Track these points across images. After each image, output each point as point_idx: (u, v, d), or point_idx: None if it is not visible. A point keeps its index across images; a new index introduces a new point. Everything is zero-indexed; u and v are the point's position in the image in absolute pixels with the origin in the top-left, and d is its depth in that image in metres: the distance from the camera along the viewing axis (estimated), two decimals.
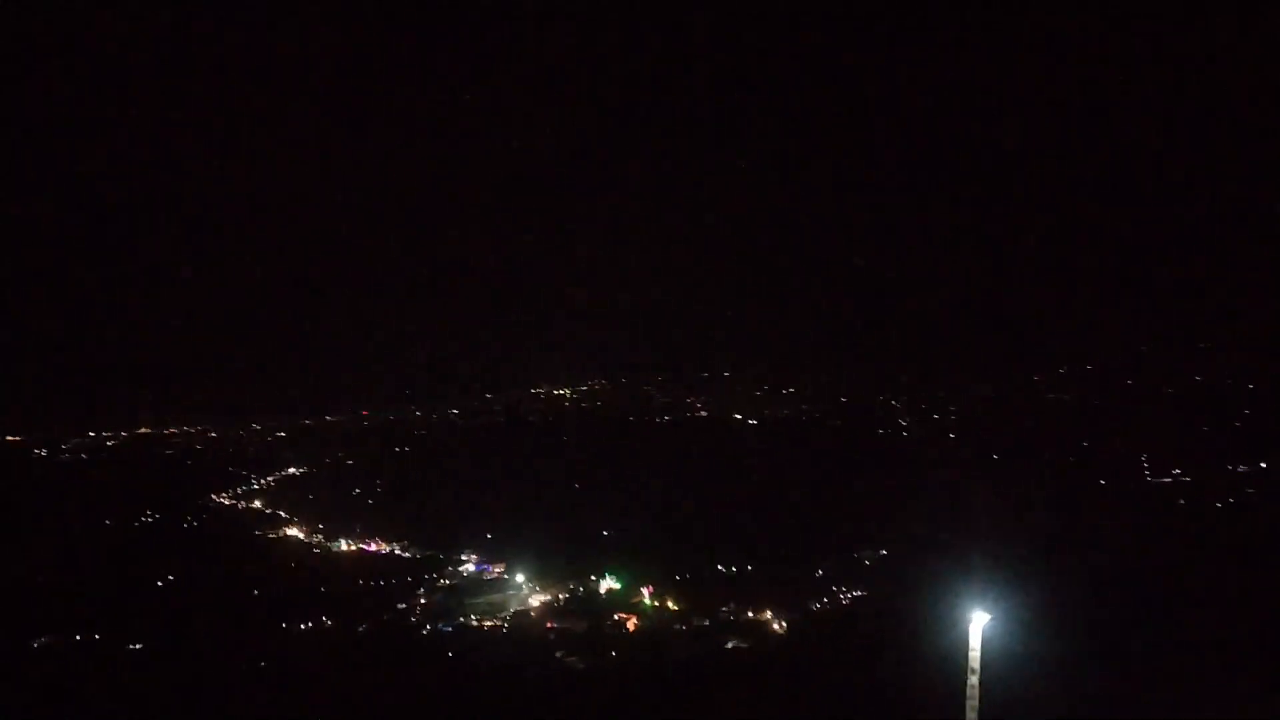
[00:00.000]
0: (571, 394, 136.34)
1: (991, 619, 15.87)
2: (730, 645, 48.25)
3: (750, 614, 52.14)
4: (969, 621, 19.72)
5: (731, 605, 53.23)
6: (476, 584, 62.57)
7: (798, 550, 61.74)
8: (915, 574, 53.27)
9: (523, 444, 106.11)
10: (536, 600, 58.50)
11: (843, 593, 54.42)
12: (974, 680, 15.11)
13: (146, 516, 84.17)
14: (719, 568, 60.14)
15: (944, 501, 69.01)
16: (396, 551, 73.92)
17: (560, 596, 58.64)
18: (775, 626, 50.77)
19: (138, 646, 49.06)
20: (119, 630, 50.85)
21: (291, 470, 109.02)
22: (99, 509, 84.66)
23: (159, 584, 62.36)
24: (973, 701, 15.13)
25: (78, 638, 50.29)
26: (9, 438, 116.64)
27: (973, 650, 15.92)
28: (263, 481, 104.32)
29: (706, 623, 51.76)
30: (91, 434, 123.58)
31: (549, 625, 53.52)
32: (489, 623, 54.38)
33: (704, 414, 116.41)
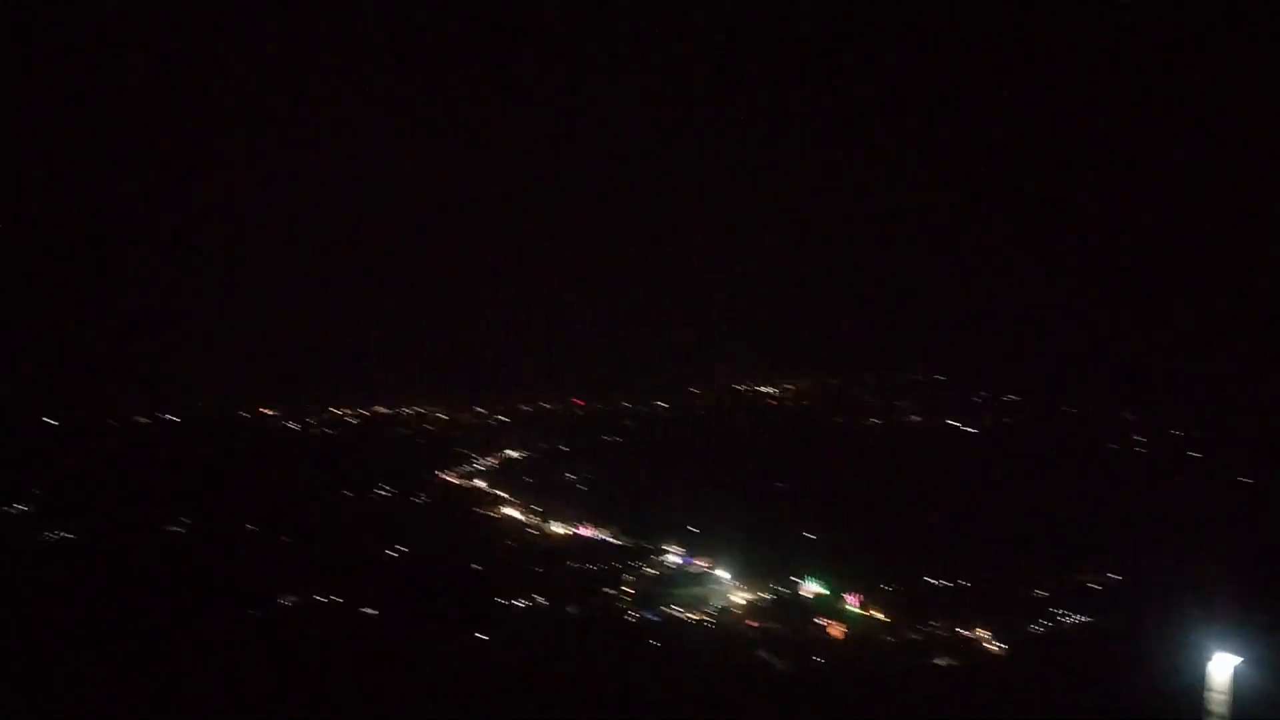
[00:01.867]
0: (779, 392, 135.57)
1: (1241, 662, 14.64)
2: (940, 662, 46.63)
3: (962, 631, 50.13)
4: (1210, 662, 18.14)
5: (942, 620, 51.40)
6: (682, 576, 63.57)
7: (1017, 568, 58.73)
8: (1148, 603, 49.54)
9: (729, 440, 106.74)
10: (740, 598, 58.74)
11: (1065, 617, 51.31)
12: None
13: (381, 489, 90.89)
14: (930, 580, 58.11)
15: (1184, 524, 63.61)
16: (606, 538, 76.20)
17: (764, 596, 58.59)
18: (989, 646, 48.57)
19: (370, 611, 53.13)
20: (354, 594, 55.28)
21: (511, 453, 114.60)
22: (340, 479, 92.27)
23: (390, 553, 67.28)
24: None
25: (317, 598, 55.00)
26: (264, 410, 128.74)
27: (1215, 693, 14.73)
28: (485, 462, 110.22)
29: (915, 636, 50.25)
30: (335, 410, 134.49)
31: (752, 623, 53.65)
32: (693, 615, 55.18)
33: (916, 419, 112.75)
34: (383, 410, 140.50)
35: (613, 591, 59.04)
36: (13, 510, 71.00)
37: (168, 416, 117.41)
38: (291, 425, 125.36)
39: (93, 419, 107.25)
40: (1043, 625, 50.08)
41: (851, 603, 55.33)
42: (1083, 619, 50.59)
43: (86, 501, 74.85)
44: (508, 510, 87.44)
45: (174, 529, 70.63)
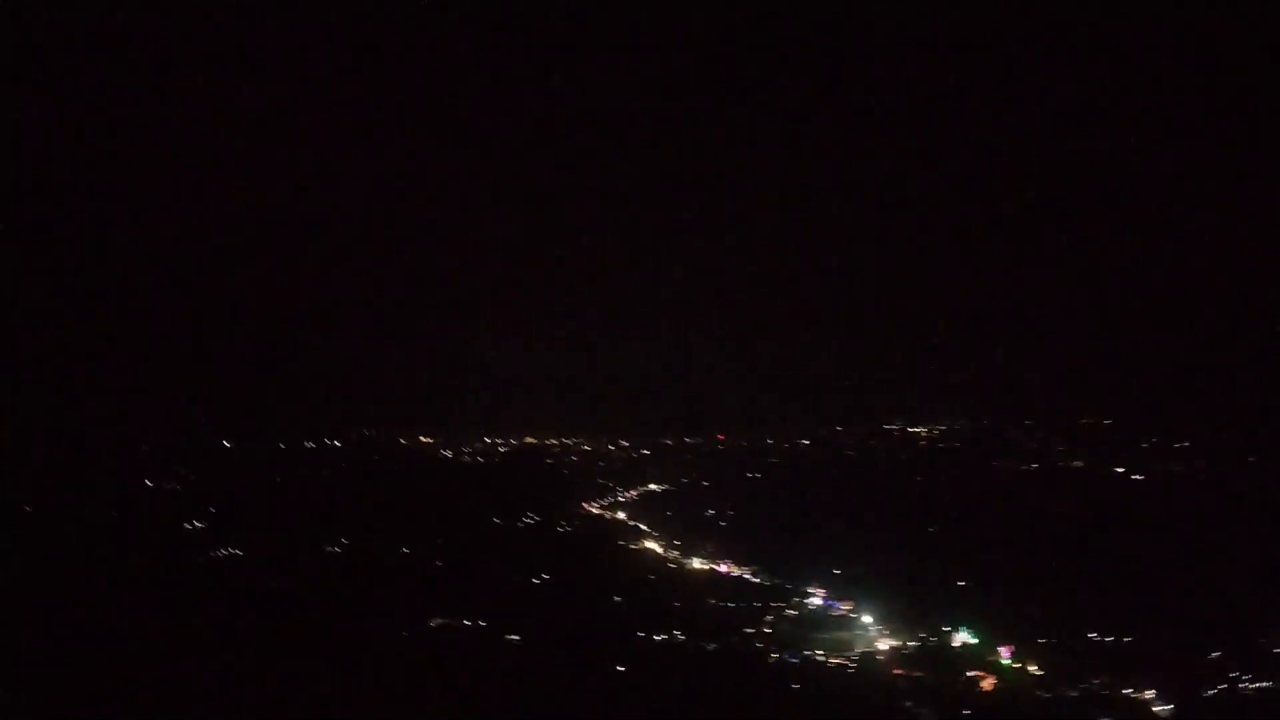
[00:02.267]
0: (929, 432, 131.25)
1: None
2: None
3: (1127, 690, 46.88)
4: None
5: (1104, 677, 48.23)
6: (823, 619, 62.15)
7: (1189, 626, 54.52)
8: None
9: (877, 480, 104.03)
10: (884, 644, 56.88)
11: (1245, 681, 47.21)
12: None
13: (528, 518, 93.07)
14: (1091, 635, 54.67)
15: None
16: (745, 575, 75.41)
17: (909, 644, 56.51)
18: (1156, 709, 45.24)
19: (514, 637, 54.28)
20: (499, 619, 56.63)
21: (652, 486, 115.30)
22: (491, 506, 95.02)
23: (535, 581, 68.66)
24: None
25: (465, 622, 56.61)
26: (423, 438, 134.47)
27: None
28: (627, 495, 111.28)
29: (1074, 694, 47.32)
30: (487, 439, 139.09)
31: (896, 672, 51.81)
32: (834, 660, 53.77)
33: (1078, 465, 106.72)
34: (532, 440, 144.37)
35: (752, 631, 58.26)
36: (189, 528, 76.46)
37: (332, 441, 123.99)
38: (446, 453, 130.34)
39: (261, 443, 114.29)
40: (1218, 690, 46.25)
41: (1004, 655, 52.66)
42: (1264, 686, 46.38)
43: (255, 521, 79.69)
44: (648, 543, 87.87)
45: (332, 549, 74.35)
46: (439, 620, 56.55)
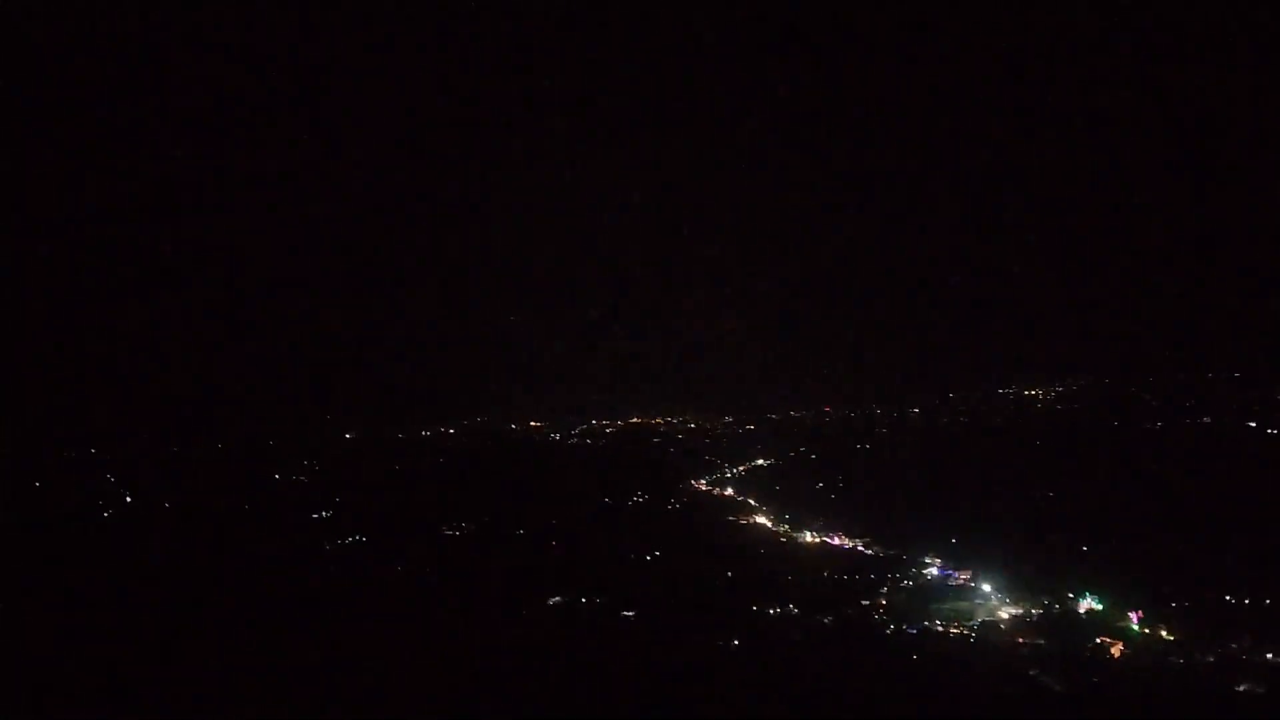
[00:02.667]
0: (1046, 394, 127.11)
1: None
2: (1241, 689, 41.88)
3: (1269, 655, 44.73)
4: None
5: (1244, 641, 46.08)
6: (941, 589, 61.03)
7: None
8: None
9: (992, 446, 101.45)
10: (1006, 613, 55.53)
11: None
12: None
13: (639, 496, 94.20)
14: (1226, 597, 52.28)
15: None
16: (859, 548, 74.68)
17: (1032, 611, 55.04)
18: None
19: (629, 614, 55.20)
20: (615, 596, 57.72)
21: (760, 461, 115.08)
22: (601, 487, 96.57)
23: (648, 558, 69.61)
24: None
25: (583, 600, 57.89)
26: (533, 423, 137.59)
27: None
28: (735, 471, 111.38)
29: (1211, 659, 45.35)
30: (595, 421, 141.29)
31: (1020, 640, 50.57)
32: (955, 630, 52.85)
33: (1206, 420, 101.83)
34: (638, 421, 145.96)
35: (867, 602, 57.73)
36: (317, 517, 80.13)
37: (447, 430, 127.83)
38: (555, 436, 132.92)
39: (383, 434, 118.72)
40: None
41: (1134, 619, 50.84)
42: None
43: (378, 508, 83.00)
44: (758, 518, 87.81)
45: (451, 532, 76.84)
46: (557, 598, 57.98)
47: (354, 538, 73.46)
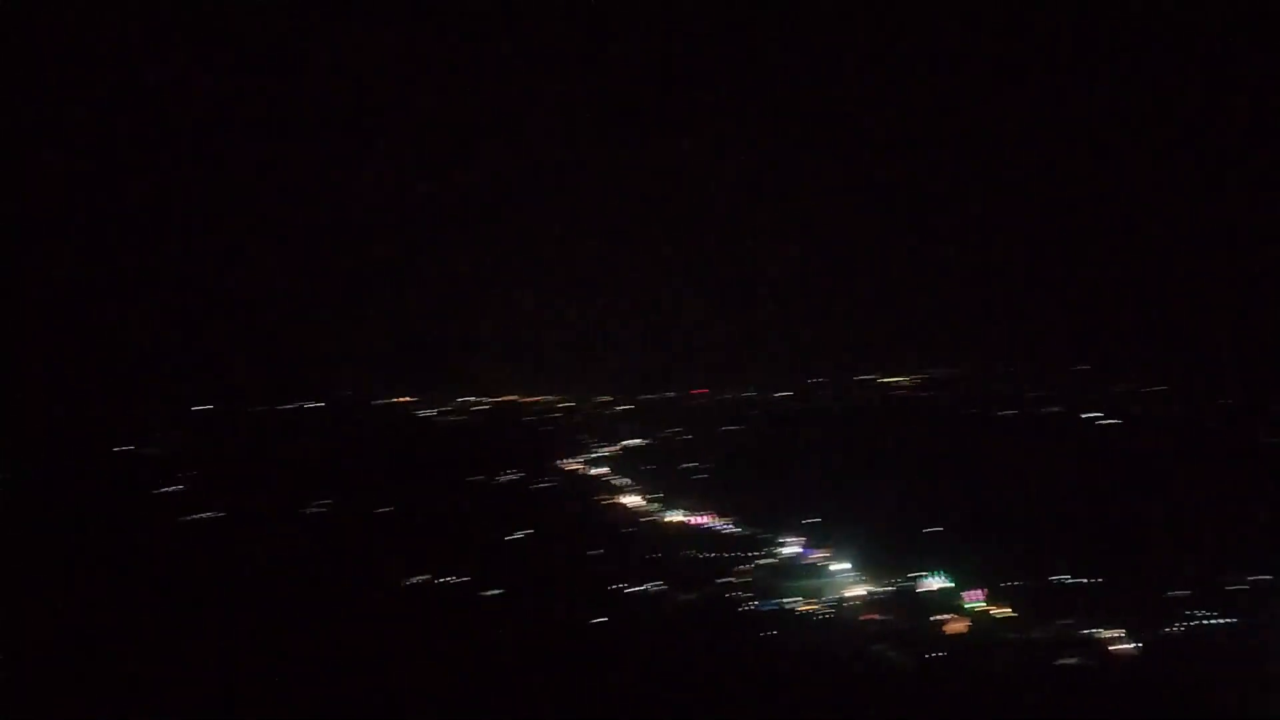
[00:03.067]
0: (904, 381, 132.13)
1: None
2: (1067, 662, 44.88)
3: (1092, 631, 48.04)
4: None
5: (1071, 619, 49.39)
6: (798, 567, 63.04)
7: (1154, 566, 55.82)
8: None
9: (852, 431, 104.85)
10: (858, 590, 57.86)
11: (1206, 618, 48.50)
12: None
13: (507, 474, 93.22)
14: (1058, 577, 55.82)
15: None
16: (723, 527, 76.16)
17: (883, 589, 57.52)
18: (1120, 647, 46.42)
19: (495, 592, 54.85)
20: (479, 576, 57.21)
21: (632, 442, 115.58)
22: (470, 464, 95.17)
23: (513, 537, 69.13)
24: None
25: (443, 579, 57.12)
26: (399, 399, 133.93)
27: None
28: (606, 450, 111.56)
29: (1042, 635, 48.45)
30: (465, 398, 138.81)
31: (870, 617, 52.80)
32: (809, 607, 54.70)
33: (1054, 409, 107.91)
34: (512, 399, 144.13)
35: (728, 580, 59.10)
36: (165, 491, 76.29)
37: (310, 404, 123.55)
38: (425, 413, 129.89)
39: (238, 406, 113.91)
40: (1179, 626, 47.48)
41: (974, 599, 53.76)
42: (1224, 621, 47.67)
43: (232, 484, 79.63)
44: (627, 497, 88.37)
45: (313, 510, 74.46)
46: (418, 577, 57.05)
47: (207, 514, 70.39)
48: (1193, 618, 47.79)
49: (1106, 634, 46.79)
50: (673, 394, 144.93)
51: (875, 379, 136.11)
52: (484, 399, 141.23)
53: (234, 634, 45.20)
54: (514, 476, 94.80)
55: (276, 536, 65.81)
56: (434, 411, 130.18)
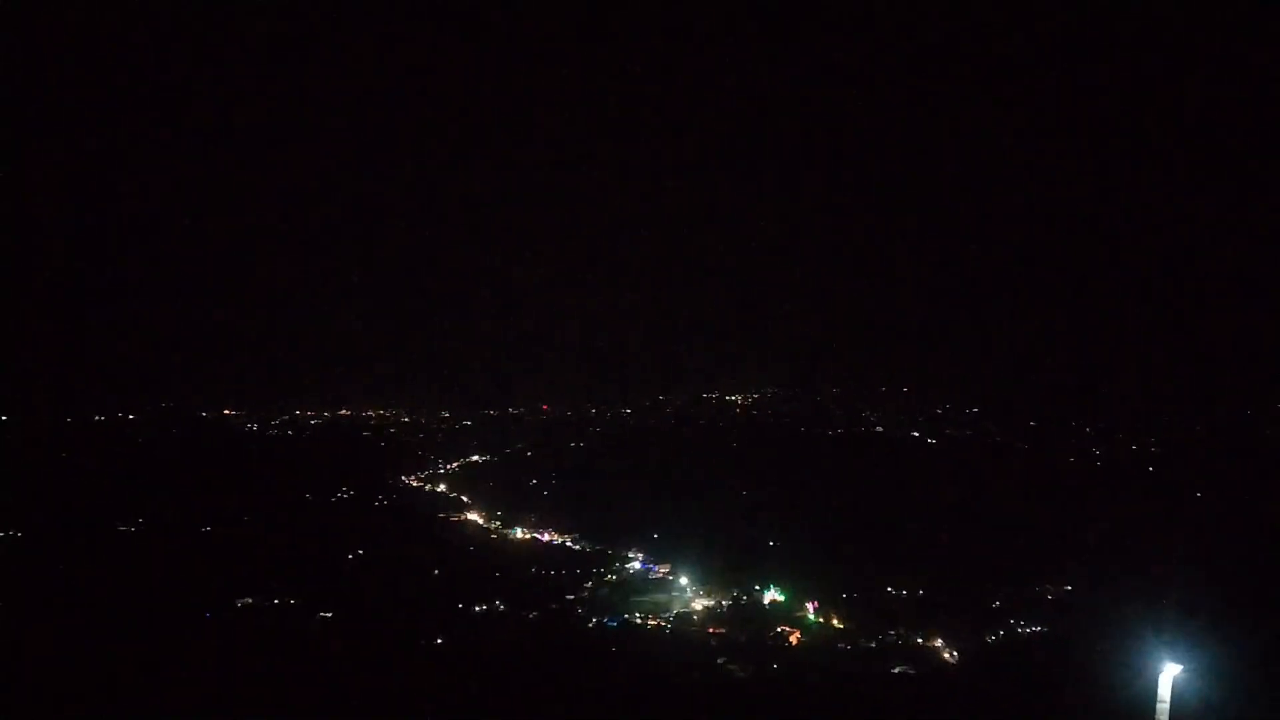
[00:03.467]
0: (744, 400, 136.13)
1: (1184, 671, 14.91)
2: (897, 670, 46.84)
3: (919, 640, 50.43)
4: (1159, 671, 18.48)
5: (900, 629, 51.70)
6: (642, 582, 63.50)
7: (973, 578, 59.24)
8: (1102, 614, 50.17)
9: (694, 448, 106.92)
10: (700, 604, 58.73)
11: (1021, 626, 51.78)
12: None
13: (343, 492, 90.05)
14: (888, 589, 58.44)
15: (1138, 537, 64.69)
16: (567, 543, 76.01)
17: (723, 603, 58.61)
18: (946, 655, 48.89)
19: (327, 615, 52.53)
20: (311, 597, 54.71)
21: (475, 458, 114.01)
22: (301, 482, 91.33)
23: (350, 557, 66.66)
24: None
25: (275, 601, 54.38)
26: (226, 411, 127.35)
27: (1161, 703, 14.98)
28: (448, 467, 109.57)
29: (873, 644, 50.43)
30: (298, 412, 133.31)
31: (711, 630, 53.61)
32: (652, 622, 55.08)
33: (879, 429, 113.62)
34: (346, 413, 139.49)
35: (572, 597, 58.84)
36: None
37: (126, 415, 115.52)
38: (252, 427, 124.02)
39: (48, 417, 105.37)
40: (998, 634, 50.51)
41: (810, 610, 55.51)
42: (1038, 629, 51.07)
43: (39, 500, 73.42)
44: (470, 515, 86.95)
45: (127, 529, 69.53)
46: (245, 600, 54.07)
47: (6, 533, 64.61)
48: (1011, 626, 51.01)
49: (933, 642, 49.23)
50: (516, 410, 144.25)
51: (716, 397, 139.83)
52: (318, 412, 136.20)
53: (50, 659, 41.47)
54: (351, 493, 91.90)
55: (88, 557, 61.06)
56: (264, 424, 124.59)
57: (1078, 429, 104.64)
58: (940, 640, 49.76)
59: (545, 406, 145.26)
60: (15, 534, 65.00)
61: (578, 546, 74.68)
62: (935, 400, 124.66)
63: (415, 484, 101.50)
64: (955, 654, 48.60)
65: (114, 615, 49.52)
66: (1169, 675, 17.30)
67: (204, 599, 53.18)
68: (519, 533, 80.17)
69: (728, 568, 63.14)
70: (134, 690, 39.68)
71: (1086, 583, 57.90)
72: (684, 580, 62.25)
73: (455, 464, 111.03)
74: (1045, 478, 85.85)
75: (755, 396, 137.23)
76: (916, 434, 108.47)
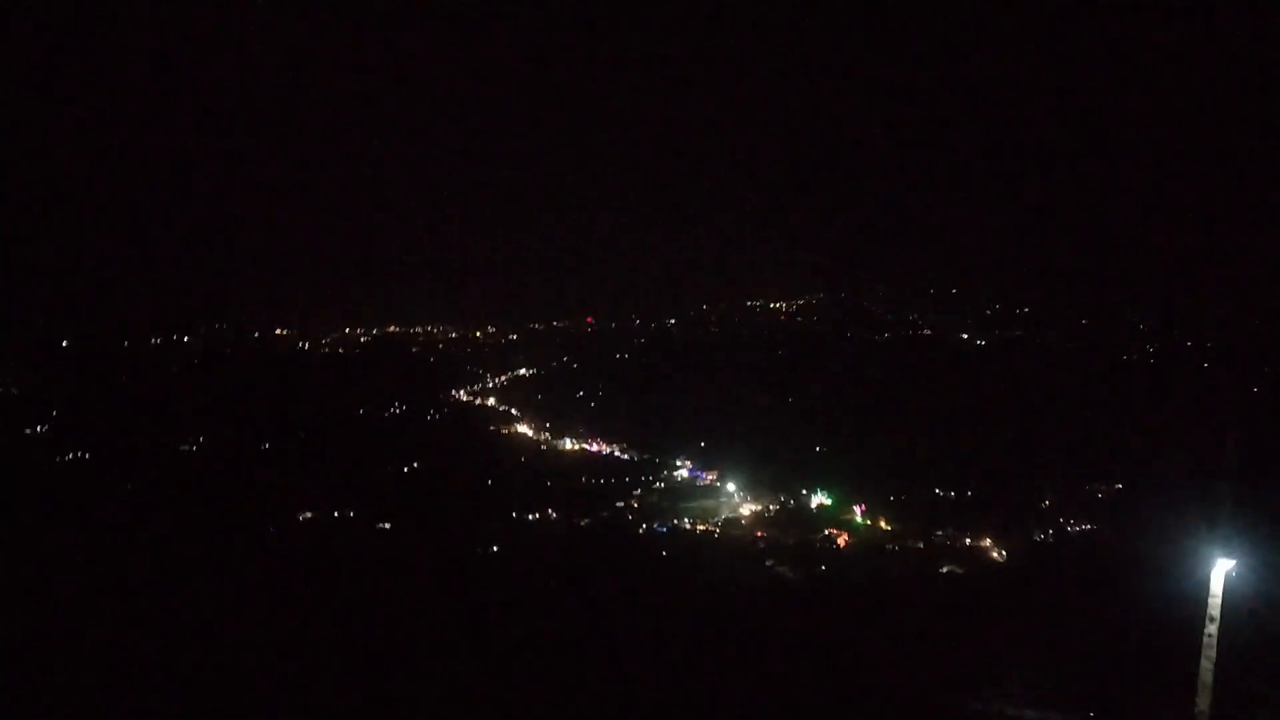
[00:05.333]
0: (789, 306, 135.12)
1: (1236, 566, 14.74)
2: (945, 570, 47.21)
3: (968, 540, 50.66)
4: (1211, 567, 18.37)
5: (948, 529, 51.94)
6: (690, 489, 64.39)
7: (1023, 478, 59.04)
8: (1154, 511, 49.84)
9: (740, 355, 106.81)
10: (747, 509, 59.47)
11: (1071, 524, 51.70)
12: (1211, 629, 14.12)
13: (396, 408, 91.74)
14: (936, 491, 58.52)
15: (1192, 436, 63.76)
16: (615, 453, 77.00)
17: (770, 507, 59.27)
18: (994, 554, 49.14)
19: (385, 525, 54.05)
20: (371, 510, 56.23)
21: (522, 372, 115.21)
22: (355, 398, 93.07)
23: (405, 470, 68.22)
24: (1210, 652, 14.18)
25: (335, 514, 56.00)
26: (278, 330, 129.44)
27: (1213, 596, 14.86)
28: (497, 381, 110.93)
29: (920, 545, 50.80)
30: (347, 330, 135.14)
31: (759, 534, 54.34)
32: (701, 527, 55.94)
33: (927, 332, 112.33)
34: (395, 330, 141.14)
35: (621, 504, 59.85)
36: (31, 433, 72.11)
37: (181, 337, 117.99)
38: (304, 345, 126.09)
39: (106, 340, 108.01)
40: (1048, 533, 50.56)
41: (857, 513, 55.94)
42: (1088, 527, 50.97)
43: (102, 423, 75.76)
44: (519, 427, 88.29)
45: (188, 448, 71.68)
46: (306, 514, 55.74)
47: (75, 454, 66.93)
48: (1061, 525, 50.95)
49: (981, 542, 49.44)
50: (560, 323, 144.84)
51: (761, 304, 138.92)
52: (367, 330, 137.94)
53: (122, 580, 43.22)
54: (403, 408, 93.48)
55: (151, 475, 63.17)
56: (315, 343, 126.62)
57: (1132, 326, 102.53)
58: (989, 540, 49.97)
59: (590, 319, 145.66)
60: (82, 455, 67.28)
61: (626, 456, 75.62)
62: (985, 301, 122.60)
63: (465, 398, 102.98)
64: (1004, 553, 48.81)
65: (182, 531, 51.41)
66: (1221, 570, 17.18)
67: (267, 514, 54.91)
68: (568, 443, 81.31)
69: (776, 474, 63.64)
70: (207, 600, 41.36)
71: (1138, 481, 57.44)
72: (731, 486, 62.94)
73: (503, 378, 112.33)
74: (1097, 376, 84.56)
75: (800, 303, 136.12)
76: (965, 335, 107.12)
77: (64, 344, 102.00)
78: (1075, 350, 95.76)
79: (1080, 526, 51.39)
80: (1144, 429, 67.47)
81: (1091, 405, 74.38)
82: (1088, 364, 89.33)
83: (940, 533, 51.58)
